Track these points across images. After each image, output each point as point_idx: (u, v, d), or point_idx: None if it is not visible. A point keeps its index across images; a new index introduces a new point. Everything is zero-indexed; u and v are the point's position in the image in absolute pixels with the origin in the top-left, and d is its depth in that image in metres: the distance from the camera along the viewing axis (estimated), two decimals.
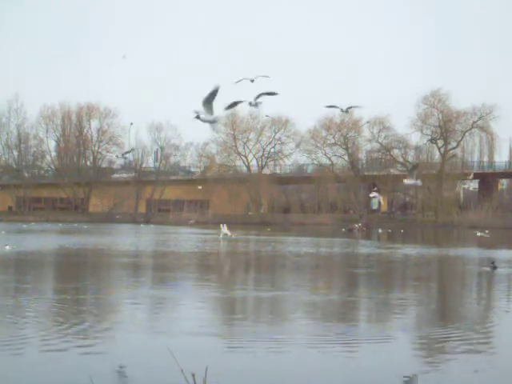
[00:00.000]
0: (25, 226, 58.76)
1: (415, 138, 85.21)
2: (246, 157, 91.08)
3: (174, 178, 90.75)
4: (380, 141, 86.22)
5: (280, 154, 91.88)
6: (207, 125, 11.78)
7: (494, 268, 22.14)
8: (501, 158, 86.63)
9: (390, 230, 59.04)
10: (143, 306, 14.00)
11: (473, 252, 33.57)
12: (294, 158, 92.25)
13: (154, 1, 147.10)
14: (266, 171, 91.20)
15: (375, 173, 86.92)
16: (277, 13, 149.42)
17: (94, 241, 38.26)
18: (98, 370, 8.57)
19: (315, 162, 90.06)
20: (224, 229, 39.79)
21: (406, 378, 8.63)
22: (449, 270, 24.83)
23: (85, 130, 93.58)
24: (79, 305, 13.99)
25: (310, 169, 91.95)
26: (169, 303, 14.48)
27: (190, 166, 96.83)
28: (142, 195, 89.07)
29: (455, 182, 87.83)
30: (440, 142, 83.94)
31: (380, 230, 58.31)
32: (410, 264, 27.60)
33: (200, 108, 10.05)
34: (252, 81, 13.57)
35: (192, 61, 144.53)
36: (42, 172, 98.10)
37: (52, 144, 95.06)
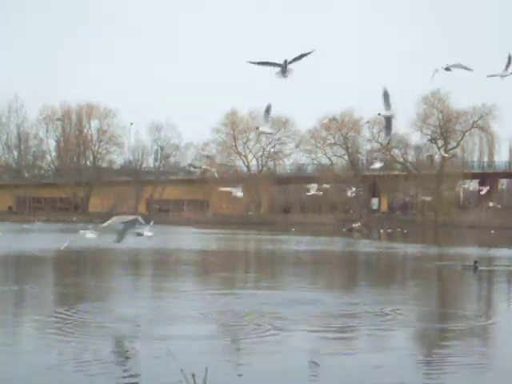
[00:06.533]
0: (26, 226, 58.56)
1: (415, 138, 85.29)
2: (245, 157, 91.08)
3: (174, 177, 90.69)
4: (380, 141, 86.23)
5: (280, 154, 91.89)
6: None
7: (475, 268, 22.14)
8: (501, 158, 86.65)
9: (390, 230, 58.98)
10: (143, 305, 13.98)
11: (472, 251, 33.56)
12: (294, 158, 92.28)
13: (154, 1, 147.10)
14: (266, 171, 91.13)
15: (375, 173, 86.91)
16: (277, 13, 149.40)
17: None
18: (98, 369, 8.57)
19: (315, 162, 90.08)
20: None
21: None
22: (448, 269, 24.84)
23: (85, 130, 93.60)
24: (78, 307, 13.98)
25: (309, 169, 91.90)
26: (168, 299, 14.47)
27: (189, 166, 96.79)
28: (142, 195, 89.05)
29: (455, 182, 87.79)
30: (440, 142, 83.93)
31: (381, 230, 58.34)
32: (407, 263, 27.62)
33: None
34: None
35: (192, 61, 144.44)
36: (42, 172, 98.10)
37: (52, 144, 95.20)
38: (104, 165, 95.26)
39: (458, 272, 22.89)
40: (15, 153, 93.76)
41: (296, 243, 39.04)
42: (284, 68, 9.94)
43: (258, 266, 27.11)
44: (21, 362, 9.12)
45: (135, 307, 13.64)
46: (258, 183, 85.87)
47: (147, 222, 12.74)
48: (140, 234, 12.91)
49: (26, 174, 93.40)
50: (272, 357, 9.52)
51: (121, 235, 11.66)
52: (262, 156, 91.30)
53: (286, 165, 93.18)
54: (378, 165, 16.55)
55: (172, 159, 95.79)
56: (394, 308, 13.86)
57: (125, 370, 8.67)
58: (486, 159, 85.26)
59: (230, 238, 44.21)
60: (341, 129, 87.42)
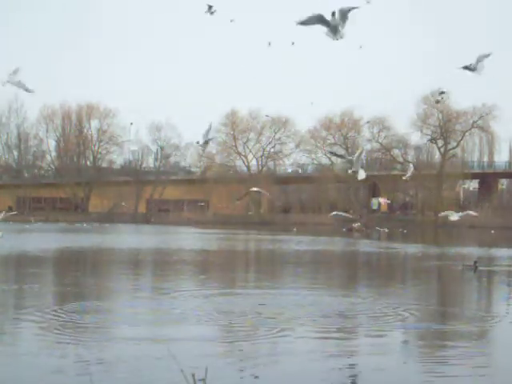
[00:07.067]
0: (27, 225, 58.58)
1: (415, 138, 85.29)
2: (245, 157, 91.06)
3: (174, 177, 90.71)
4: (380, 141, 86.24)
5: (280, 154, 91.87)
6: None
7: (476, 268, 22.06)
8: (501, 158, 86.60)
9: (387, 230, 58.92)
10: (144, 305, 13.96)
11: (472, 251, 33.54)
12: (294, 158, 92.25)
13: (154, 1, 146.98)
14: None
15: (375, 173, 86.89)
16: (276, 12, 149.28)
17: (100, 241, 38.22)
18: (99, 371, 8.57)
19: (315, 162, 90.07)
20: None
21: None
22: (446, 269, 24.84)
23: (85, 130, 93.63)
24: (78, 307, 13.96)
25: (309, 169, 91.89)
26: (169, 299, 14.45)
27: (190, 166, 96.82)
28: (142, 195, 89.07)
29: (455, 182, 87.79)
30: (440, 142, 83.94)
31: (380, 230, 58.35)
32: (407, 263, 27.60)
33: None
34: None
35: (192, 61, 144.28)
36: (42, 172, 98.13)
37: (52, 144, 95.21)
38: (104, 165, 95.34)
39: (459, 272, 22.89)
40: (15, 153, 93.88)
41: (296, 243, 39.04)
42: (333, 24, 8.20)
43: (259, 265, 27.11)
44: (22, 363, 9.11)
45: (135, 307, 13.62)
46: (257, 183, 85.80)
47: None
48: None
49: (26, 174, 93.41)
50: (273, 358, 9.50)
51: None
52: (261, 156, 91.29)
53: (286, 165, 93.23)
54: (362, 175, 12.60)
55: (172, 159, 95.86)
56: (394, 308, 13.85)
57: (125, 371, 8.65)
58: (486, 159, 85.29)
59: (230, 238, 44.20)
60: (341, 129, 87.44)
